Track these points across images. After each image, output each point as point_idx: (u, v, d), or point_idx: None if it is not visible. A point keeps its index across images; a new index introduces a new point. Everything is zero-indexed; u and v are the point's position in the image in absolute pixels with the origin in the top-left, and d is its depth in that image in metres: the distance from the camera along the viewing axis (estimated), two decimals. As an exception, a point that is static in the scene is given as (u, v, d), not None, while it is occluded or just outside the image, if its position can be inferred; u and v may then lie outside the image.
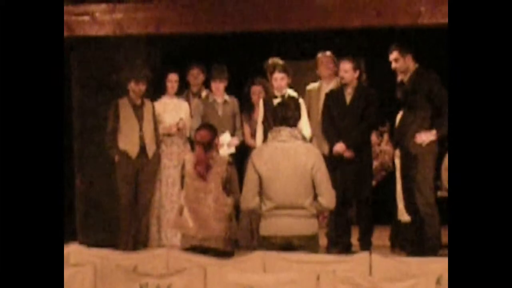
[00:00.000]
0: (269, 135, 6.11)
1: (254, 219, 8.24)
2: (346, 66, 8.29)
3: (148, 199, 9.00)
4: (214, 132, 6.77)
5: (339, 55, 8.64)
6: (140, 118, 8.94)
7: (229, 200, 6.58)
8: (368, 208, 8.41)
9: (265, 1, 8.04)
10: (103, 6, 8.17)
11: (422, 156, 7.62)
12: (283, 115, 6.01)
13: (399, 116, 8.20)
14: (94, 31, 8.19)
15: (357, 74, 8.32)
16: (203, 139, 6.65)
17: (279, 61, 8.89)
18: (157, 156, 9.05)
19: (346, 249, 8.25)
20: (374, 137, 10.16)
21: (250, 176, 5.99)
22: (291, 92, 8.59)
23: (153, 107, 9.05)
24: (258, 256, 5.63)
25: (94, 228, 9.54)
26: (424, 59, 7.94)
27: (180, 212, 6.70)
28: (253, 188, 5.96)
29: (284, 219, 5.88)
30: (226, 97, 9.07)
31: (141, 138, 8.91)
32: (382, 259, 5.50)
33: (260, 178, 5.94)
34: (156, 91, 9.36)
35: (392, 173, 9.82)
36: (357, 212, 8.65)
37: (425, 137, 7.56)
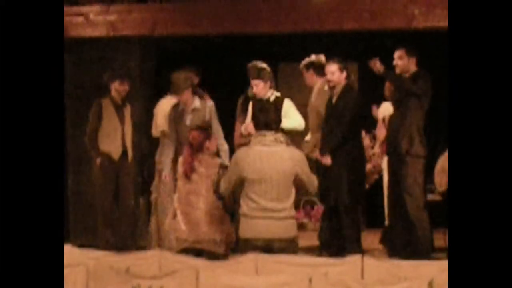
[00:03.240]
0: (253, 139, 6.14)
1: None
2: (332, 68, 8.20)
3: (128, 203, 8.87)
4: (206, 134, 6.78)
5: (332, 57, 8.57)
6: (122, 120, 8.79)
7: (221, 203, 6.58)
8: (356, 213, 8.34)
9: (260, 3, 8.04)
10: (97, 7, 8.17)
11: (411, 159, 7.64)
12: (264, 120, 6.07)
13: (387, 115, 8.24)
14: (88, 32, 8.18)
15: (344, 74, 8.24)
16: (193, 140, 6.68)
17: (258, 65, 8.63)
18: (136, 160, 8.94)
19: (339, 252, 8.23)
20: (367, 140, 10.17)
21: (231, 174, 6.10)
22: (276, 94, 8.49)
23: (132, 110, 8.91)
24: (250, 259, 5.63)
25: (87, 230, 9.51)
26: (422, 62, 7.98)
27: (174, 215, 6.71)
28: (231, 184, 6.09)
29: (266, 221, 5.94)
30: (197, 103, 8.40)
31: (123, 140, 8.76)
32: (374, 262, 5.51)
33: (242, 180, 5.99)
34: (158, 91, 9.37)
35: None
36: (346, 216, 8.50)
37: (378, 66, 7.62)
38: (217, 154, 7.15)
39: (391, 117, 8.19)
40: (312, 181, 6.16)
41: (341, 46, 10.02)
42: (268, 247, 5.90)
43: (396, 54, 7.88)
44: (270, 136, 6.01)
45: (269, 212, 5.92)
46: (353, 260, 5.57)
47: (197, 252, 6.40)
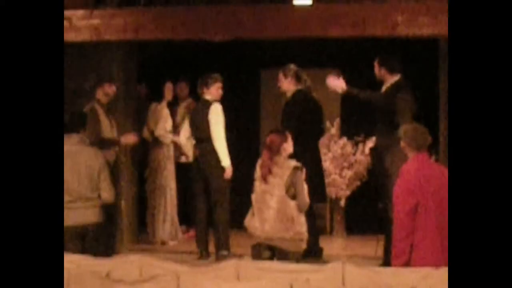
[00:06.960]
0: (65, 141, 6.93)
1: None
2: (281, 75, 8.68)
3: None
4: (283, 137, 7.05)
5: (321, 64, 8.69)
6: (111, 122, 8.95)
7: (293, 203, 6.84)
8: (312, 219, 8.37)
9: (244, 9, 8.04)
10: (81, 11, 8.13)
11: (396, 167, 7.66)
12: (67, 126, 7.10)
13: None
14: (71, 36, 8.15)
15: (293, 81, 8.54)
16: (272, 143, 6.99)
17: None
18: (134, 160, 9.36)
19: (318, 256, 8.27)
20: (349, 147, 10.20)
21: None
22: None
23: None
24: (231, 264, 5.63)
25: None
26: (405, 71, 8.06)
27: (252, 213, 7.00)
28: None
29: (80, 210, 7.15)
30: None
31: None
32: (355, 269, 5.50)
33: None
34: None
35: (366, 183, 9.87)
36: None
37: (336, 83, 7.93)
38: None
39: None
40: (109, 185, 7.33)
41: (325, 53, 10.08)
42: (84, 231, 7.15)
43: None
44: (76, 137, 7.28)
45: (82, 202, 7.15)
46: (334, 267, 5.56)
47: (270, 248, 6.84)
